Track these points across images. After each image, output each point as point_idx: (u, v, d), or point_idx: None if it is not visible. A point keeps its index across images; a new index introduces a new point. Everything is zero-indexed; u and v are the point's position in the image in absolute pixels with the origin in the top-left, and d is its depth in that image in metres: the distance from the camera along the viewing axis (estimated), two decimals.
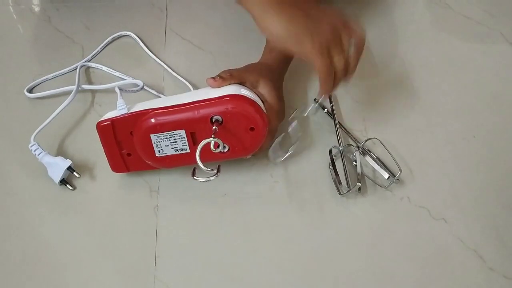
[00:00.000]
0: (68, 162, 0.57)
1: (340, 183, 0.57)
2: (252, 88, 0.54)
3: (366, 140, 0.60)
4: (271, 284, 0.52)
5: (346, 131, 0.62)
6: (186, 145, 0.52)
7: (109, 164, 0.56)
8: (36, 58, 0.69)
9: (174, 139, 0.52)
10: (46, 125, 0.59)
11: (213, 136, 0.49)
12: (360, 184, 0.56)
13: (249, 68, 0.57)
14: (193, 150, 0.52)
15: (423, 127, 0.63)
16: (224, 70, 0.55)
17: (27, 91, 0.65)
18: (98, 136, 0.54)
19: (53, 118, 0.60)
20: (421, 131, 0.63)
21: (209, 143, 0.49)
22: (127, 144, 0.54)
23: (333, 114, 0.63)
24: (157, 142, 0.52)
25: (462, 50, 0.71)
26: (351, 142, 0.62)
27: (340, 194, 0.57)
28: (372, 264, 0.53)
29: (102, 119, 0.53)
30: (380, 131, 0.62)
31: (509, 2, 0.77)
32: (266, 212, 0.57)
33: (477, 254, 0.54)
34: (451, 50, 0.71)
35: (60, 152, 0.60)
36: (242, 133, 0.52)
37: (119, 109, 0.52)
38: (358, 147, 0.60)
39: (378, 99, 0.66)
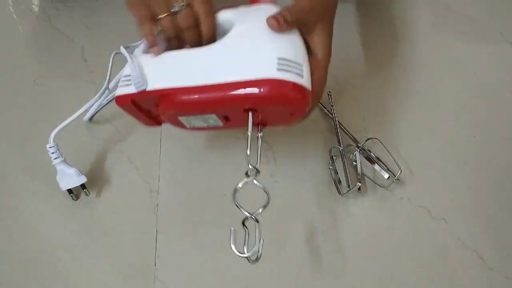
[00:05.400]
0: (83, 179, 0.54)
1: (340, 183, 0.57)
2: (306, 33, 0.45)
3: (366, 140, 0.60)
4: (271, 284, 0.52)
5: (346, 131, 0.62)
6: (219, 122, 0.47)
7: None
8: (36, 58, 0.69)
9: (205, 119, 0.47)
10: (66, 124, 0.55)
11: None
12: (360, 184, 0.56)
13: (312, 2, 0.46)
14: (226, 125, 0.48)
15: (423, 127, 0.63)
16: (286, 8, 0.44)
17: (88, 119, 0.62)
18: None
19: (73, 119, 0.55)
20: (421, 131, 0.63)
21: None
22: (157, 109, 0.48)
23: (333, 114, 0.63)
24: (187, 121, 0.48)
25: (462, 50, 0.71)
26: (351, 142, 0.62)
27: (340, 194, 0.57)
28: (372, 264, 0.53)
29: (119, 93, 0.47)
30: (380, 131, 0.62)
31: (509, 2, 0.77)
32: (266, 212, 0.57)
33: (477, 254, 0.54)
34: (451, 50, 0.71)
35: (68, 155, 0.56)
36: (280, 116, 0.47)
37: (132, 82, 0.46)
38: (358, 147, 0.60)
39: (378, 99, 0.66)
